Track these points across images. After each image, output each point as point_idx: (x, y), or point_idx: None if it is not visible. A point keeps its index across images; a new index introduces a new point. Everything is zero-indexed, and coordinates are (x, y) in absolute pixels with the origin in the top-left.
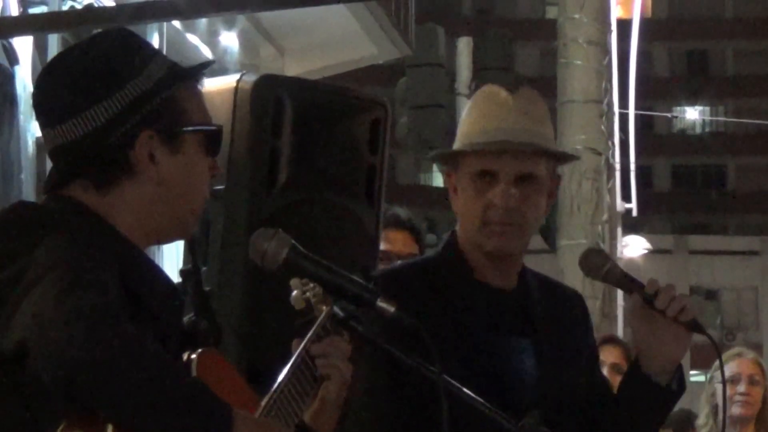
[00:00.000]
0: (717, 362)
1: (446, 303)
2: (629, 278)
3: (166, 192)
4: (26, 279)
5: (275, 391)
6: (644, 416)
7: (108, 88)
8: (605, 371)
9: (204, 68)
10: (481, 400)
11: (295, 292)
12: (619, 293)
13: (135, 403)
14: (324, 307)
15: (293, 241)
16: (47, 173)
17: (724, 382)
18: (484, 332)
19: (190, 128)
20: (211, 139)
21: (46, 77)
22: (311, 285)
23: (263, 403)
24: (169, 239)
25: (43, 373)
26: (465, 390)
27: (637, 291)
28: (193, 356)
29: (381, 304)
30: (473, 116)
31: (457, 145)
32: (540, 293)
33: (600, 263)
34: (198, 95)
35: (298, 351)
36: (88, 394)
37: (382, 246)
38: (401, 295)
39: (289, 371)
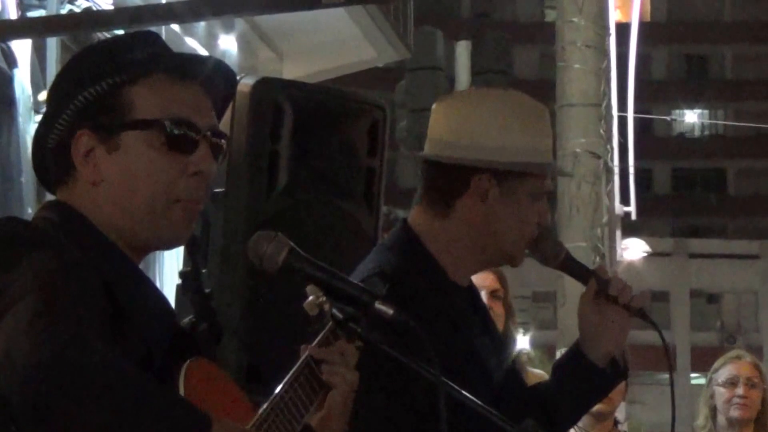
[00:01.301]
0: (715, 365)
1: (434, 305)
2: (584, 267)
3: (109, 191)
4: (4, 300)
5: (274, 398)
6: (579, 396)
7: (61, 95)
8: None
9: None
10: (480, 403)
11: (309, 298)
12: None
13: (104, 427)
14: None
15: (292, 244)
16: None
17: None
18: (470, 334)
19: (128, 125)
20: (173, 135)
21: None
22: None
23: (260, 410)
24: (145, 241)
25: (12, 398)
26: (464, 393)
27: (593, 277)
28: (183, 367)
29: (379, 306)
30: (531, 129)
31: (512, 158)
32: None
33: (556, 251)
34: (164, 87)
35: (303, 357)
36: (55, 419)
37: None
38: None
39: (291, 377)
